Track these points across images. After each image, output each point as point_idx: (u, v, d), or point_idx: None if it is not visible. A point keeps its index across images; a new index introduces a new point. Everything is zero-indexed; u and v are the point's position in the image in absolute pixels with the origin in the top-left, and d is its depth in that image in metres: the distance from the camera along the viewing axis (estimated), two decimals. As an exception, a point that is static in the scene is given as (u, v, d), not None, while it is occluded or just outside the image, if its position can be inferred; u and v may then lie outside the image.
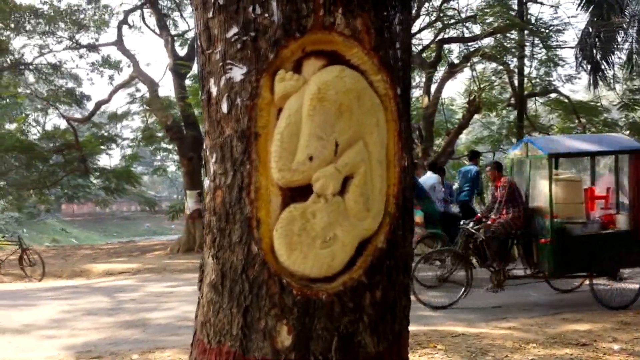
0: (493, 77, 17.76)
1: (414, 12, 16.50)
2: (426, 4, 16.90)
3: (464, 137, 27.41)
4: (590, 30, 14.82)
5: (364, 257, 2.02)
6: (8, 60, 19.46)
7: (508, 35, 15.99)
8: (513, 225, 7.28)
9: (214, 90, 2.02)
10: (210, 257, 2.11)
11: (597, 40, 14.74)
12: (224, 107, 1.98)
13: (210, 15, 1.99)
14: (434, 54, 17.46)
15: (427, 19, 17.36)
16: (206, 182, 2.13)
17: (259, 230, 1.96)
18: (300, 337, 1.97)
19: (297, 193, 1.96)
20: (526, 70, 17.25)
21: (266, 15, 1.88)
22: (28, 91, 21.35)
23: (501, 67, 17.04)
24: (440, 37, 17.40)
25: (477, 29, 16.81)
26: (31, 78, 23.29)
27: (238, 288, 2.01)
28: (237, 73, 1.93)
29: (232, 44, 1.94)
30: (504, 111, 20.23)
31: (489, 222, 7.38)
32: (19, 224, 35.17)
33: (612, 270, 7.15)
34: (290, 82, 1.90)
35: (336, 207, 1.95)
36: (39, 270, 12.06)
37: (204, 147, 2.13)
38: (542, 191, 7.20)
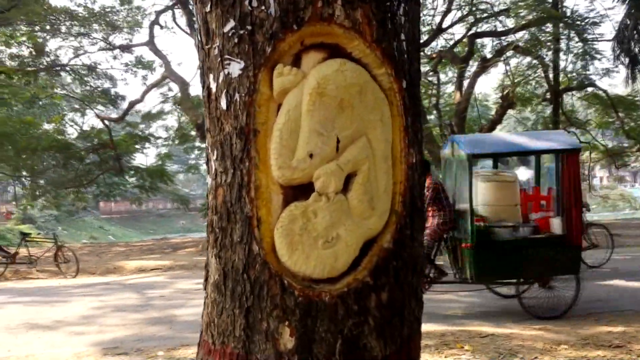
0: (528, 72, 17.42)
1: (445, 6, 16.27)
2: (458, -2, 16.65)
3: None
4: (628, 22, 14.36)
5: (369, 258, 1.94)
6: (44, 61, 19.92)
7: (542, 28, 15.63)
8: (440, 231, 6.90)
9: (213, 86, 1.97)
10: (213, 257, 2.07)
11: (635, 32, 14.27)
12: (223, 104, 1.93)
13: (207, 9, 1.94)
14: (466, 49, 17.19)
15: (458, 14, 17.09)
16: (208, 180, 2.09)
17: (259, 230, 1.90)
18: (303, 340, 1.91)
19: (299, 191, 1.89)
20: (562, 64, 16.85)
21: (262, 8, 1.82)
22: (63, 92, 21.81)
23: (536, 61, 16.67)
24: (472, 31, 17.10)
25: (510, 22, 16.47)
26: (67, 79, 23.86)
27: (240, 288, 1.96)
28: (235, 68, 1.88)
29: (229, 39, 1.89)
30: (539, 106, 19.81)
31: None
32: (57, 222, 36.09)
33: (542, 278, 6.67)
34: (288, 77, 1.83)
35: (339, 206, 1.88)
36: (74, 267, 12.31)
37: (206, 144, 2.09)
38: (470, 192, 6.66)
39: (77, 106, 24.04)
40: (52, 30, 18.85)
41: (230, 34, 1.88)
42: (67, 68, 21.21)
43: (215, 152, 2.00)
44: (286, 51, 1.85)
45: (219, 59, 1.92)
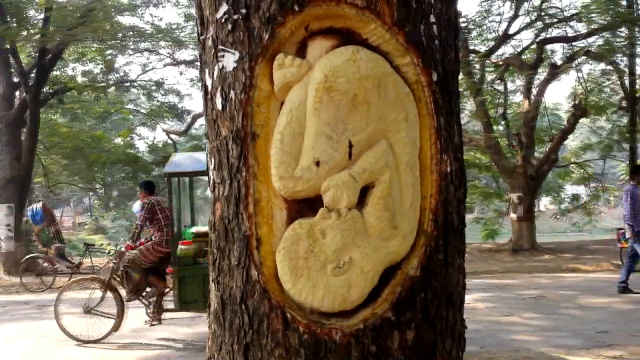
0: (601, 78, 16.46)
1: (511, 12, 15.60)
2: (525, 4, 15.92)
3: (569, 144, 25.65)
4: None
5: (391, 288, 1.59)
6: (113, 77, 20.61)
7: (616, 32, 14.71)
8: (154, 251, 6.43)
9: (208, 82, 1.69)
10: (212, 282, 1.79)
11: None
12: (218, 103, 1.65)
13: None
14: (534, 56, 16.42)
15: (526, 19, 16.37)
16: (208, 193, 1.82)
17: (259, 252, 1.60)
18: (310, 386, 1.58)
19: (306, 206, 1.58)
20: (638, 70, 15.80)
21: (257, -15, 1.53)
22: (132, 106, 22.53)
23: (610, 67, 15.72)
24: (541, 37, 16.31)
25: (582, 27, 15.60)
26: (140, 95, 24.62)
27: (238, 321, 1.66)
28: (230, 60, 1.59)
29: (222, 26, 1.60)
30: (615, 115, 18.67)
31: (124, 249, 6.67)
32: (128, 232, 37.23)
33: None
34: (291, 69, 1.52)
35: (352, 224, 1.55)
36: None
37: (206, 152, 1.82)
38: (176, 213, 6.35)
39: (146, 121, 24.77)
40: (120, 46, 19.43)
41: (223, 20, 1.59)
42: (136, 84, 21.89)
43: (212, 160, 1.72)
44: (287, 38, 1.54)
45: (213, 50, 1.64)
